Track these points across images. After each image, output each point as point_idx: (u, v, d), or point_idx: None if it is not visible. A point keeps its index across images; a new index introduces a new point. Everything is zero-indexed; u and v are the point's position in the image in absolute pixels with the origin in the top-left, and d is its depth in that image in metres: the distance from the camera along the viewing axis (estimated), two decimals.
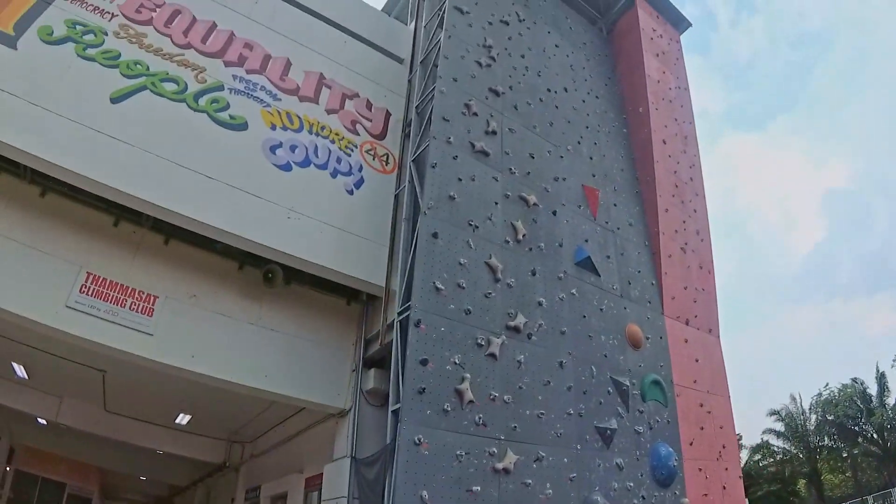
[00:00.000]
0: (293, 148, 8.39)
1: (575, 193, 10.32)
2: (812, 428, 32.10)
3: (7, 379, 10.11)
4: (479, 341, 7.61)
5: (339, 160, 8.76)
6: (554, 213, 9.61)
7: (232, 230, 7.51)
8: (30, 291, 6.71)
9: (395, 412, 6.84)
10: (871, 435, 29.69)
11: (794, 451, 32.26)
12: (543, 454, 7.61)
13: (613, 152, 11.77)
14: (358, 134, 9.27)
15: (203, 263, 8.03)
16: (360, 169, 8.96)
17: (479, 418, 7.16)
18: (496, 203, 8.78)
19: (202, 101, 7.96)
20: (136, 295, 7.36)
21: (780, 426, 32.51)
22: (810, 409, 32.37)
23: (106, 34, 7.69)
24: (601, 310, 9.56)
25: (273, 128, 8.36)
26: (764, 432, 33.17)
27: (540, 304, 8.61)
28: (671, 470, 9.15)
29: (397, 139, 9.87)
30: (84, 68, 7.36)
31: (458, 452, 6.84)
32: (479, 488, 6.82)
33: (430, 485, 6.54)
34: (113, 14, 7.90)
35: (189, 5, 8.61)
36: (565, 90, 11.42)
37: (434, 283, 7.49)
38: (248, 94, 8.42)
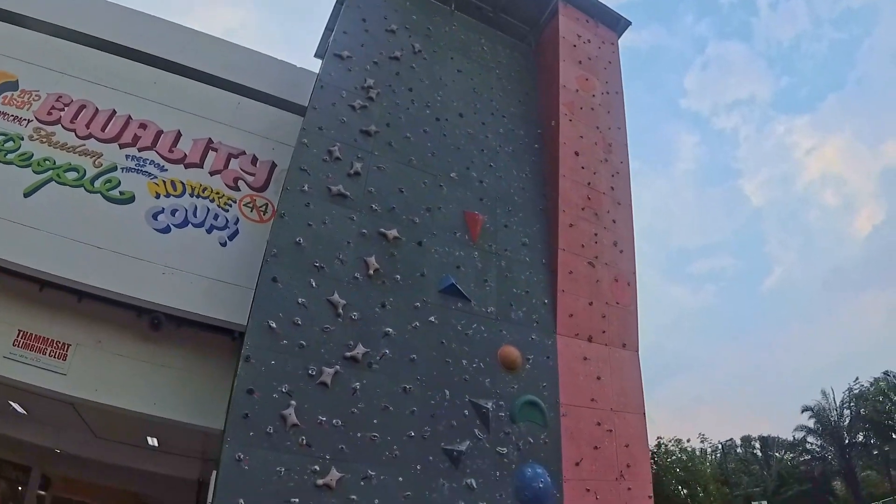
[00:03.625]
0: (174, 212, 10.94)
1: (453, 221, 11.73)
2: (845, 424, 33.12)
3: (10, 414, 13.54)
4: (311, 372, 9.49)
5: (216, 217, 11.17)
6: (419, 243, 11.16)
7: (114, 289, 10.19)
8: None
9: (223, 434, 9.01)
10: None
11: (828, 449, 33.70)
12: (373, 473, 9.25)
13: (515, 172, 12.91)
14: (238, 189, 11.64)
15: (109, 314, 10.72)
16: (237, 222, 11.31)
17: (303, 440, 9.01)
18: (348, 242, 10.59)
19: (97, 184, 10.77)
20: (54, 344, 10.30)
21: (813, 423, 34.08)
22: (842, 404, 33.43)
23: (22, 139, 10.78)
24: (467, 335, 10.91)
25: (158, 196, 10.98)
26: (796, 429, 34.67)
27: (387, 333, 10.25)
28: (537, 491, 10.20)
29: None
30: (4, 171, 10.51)
31: (277, 469, 8.76)
32: (297, 500, 8.71)
33: (248, 495, 8.49)
34: (28, 120, 10.99)
35: (93, 98, 11.52)
36: (460, 115, 12.84)
37: (268, 322, 9.53)
38: (138, 169, 11.12)
